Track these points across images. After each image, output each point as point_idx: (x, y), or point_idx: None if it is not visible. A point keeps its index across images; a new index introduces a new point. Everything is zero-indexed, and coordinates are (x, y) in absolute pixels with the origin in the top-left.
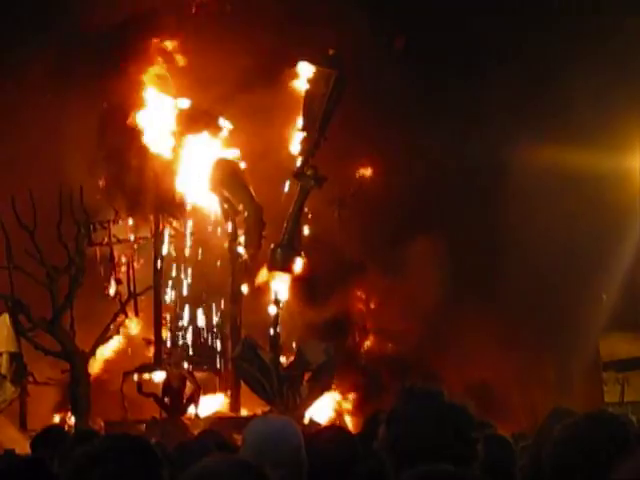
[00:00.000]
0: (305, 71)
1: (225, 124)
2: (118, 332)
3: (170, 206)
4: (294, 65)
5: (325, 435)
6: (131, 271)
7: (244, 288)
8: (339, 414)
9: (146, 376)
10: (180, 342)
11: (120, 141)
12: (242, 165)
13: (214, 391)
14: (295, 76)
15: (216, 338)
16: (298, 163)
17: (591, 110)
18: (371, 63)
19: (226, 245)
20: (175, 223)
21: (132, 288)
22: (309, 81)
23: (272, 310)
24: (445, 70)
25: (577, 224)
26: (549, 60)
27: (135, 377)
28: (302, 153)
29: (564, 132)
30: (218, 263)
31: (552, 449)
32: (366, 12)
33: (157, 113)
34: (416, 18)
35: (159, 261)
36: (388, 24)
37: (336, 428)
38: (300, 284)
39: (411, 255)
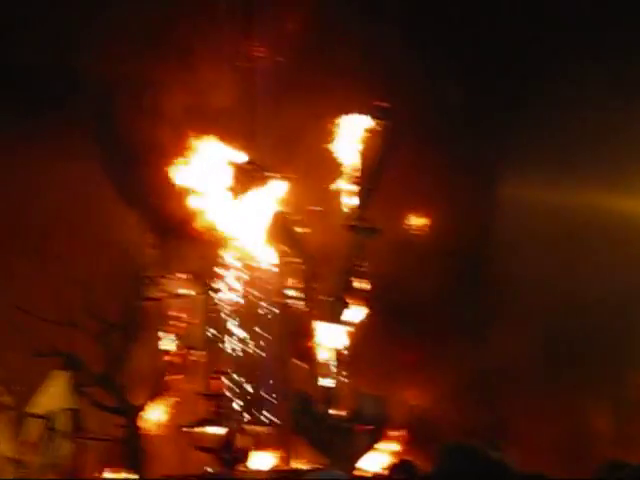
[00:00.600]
0: (359, 123)
1: (279, 178)
2: (173, 387)
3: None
4: (347, 117)
5: None
6: (185, 326)
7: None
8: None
9: (201, 430)
10: (235, 396)
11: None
12: (297, 218)
13: (269, 445)
14: (349, 128)
15: (270, 391)
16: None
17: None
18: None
19: (280, 298)
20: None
21: (185, 342)
22: (363, 133)
23: (323, 361)
24: None
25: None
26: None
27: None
28: (356, 206)
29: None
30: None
31: None
32: (423, 61)
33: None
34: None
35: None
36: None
37: None
38: (354, 334)
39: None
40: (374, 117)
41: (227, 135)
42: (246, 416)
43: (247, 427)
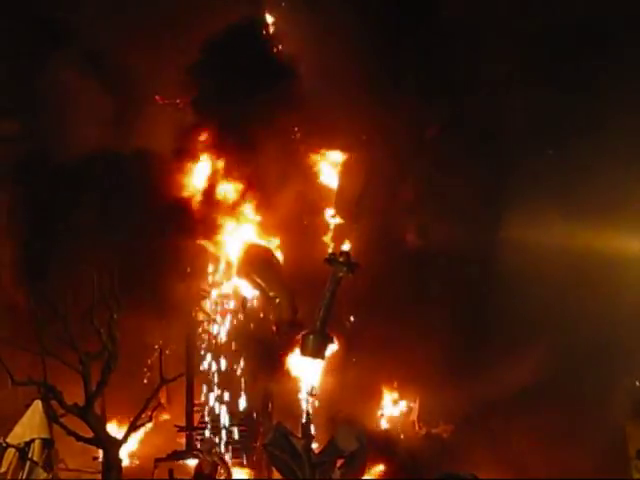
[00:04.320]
0: (337, 158)
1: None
2: (150, 419)
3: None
4: (326, 151)
5: None
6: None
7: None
8: None
9: (178, 463)
10: (211, 429)
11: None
12: (273, 250)
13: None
14: (326, 162)
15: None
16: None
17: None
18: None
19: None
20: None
21: (163, 374)
22: (341, 167)
23: (303, 396)
24: None
25: (606, 308)
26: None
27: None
28: (334, 239)
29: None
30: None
31: None
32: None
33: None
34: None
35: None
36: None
37: None
38: (331, 368)
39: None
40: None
41: None
42: (223, 449)
43: (220, 459)
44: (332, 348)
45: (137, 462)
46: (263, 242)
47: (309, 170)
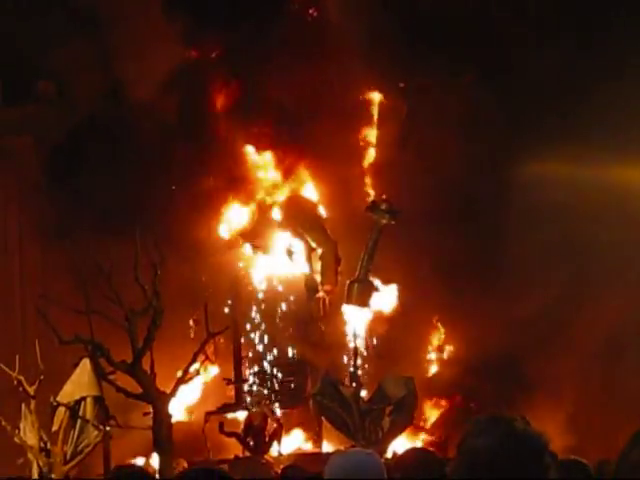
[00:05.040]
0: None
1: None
2: (198, 373)
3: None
4: (366, 99)
5: (411, 456)
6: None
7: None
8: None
9: (228, 416)
10: (260, 381)
11: None
12: (315, 201)
13: (297, 428)
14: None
15: (297, 374)
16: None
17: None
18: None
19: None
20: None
21: (210, 328)
22: (381, 114)
23: (351, 344)
24: None
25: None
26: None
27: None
28: (375, 187)
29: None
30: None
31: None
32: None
33: None
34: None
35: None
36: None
37: (421, 450)
38: (379, 318)
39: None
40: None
41: None
42: (273, 400)
43: (270, 411)
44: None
45: (188, 417)
46: (305, 193)
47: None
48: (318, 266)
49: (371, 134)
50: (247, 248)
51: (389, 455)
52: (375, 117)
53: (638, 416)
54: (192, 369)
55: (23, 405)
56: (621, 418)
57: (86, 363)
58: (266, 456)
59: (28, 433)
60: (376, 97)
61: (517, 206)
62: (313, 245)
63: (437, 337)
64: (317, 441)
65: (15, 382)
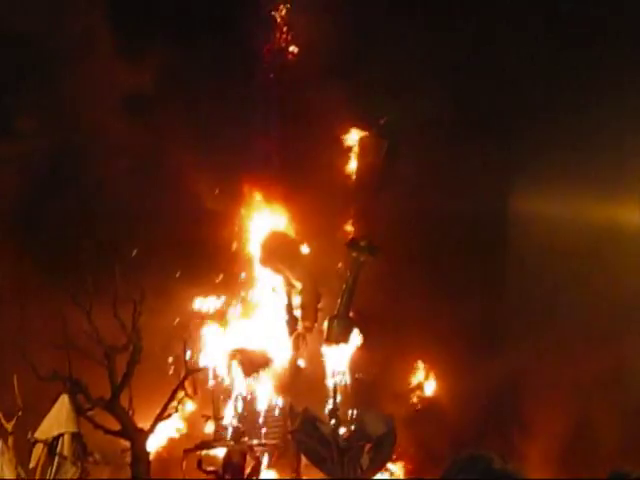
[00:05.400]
0: (356, 140)
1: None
2: (177, 409)
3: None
4: (346, 133)
5: None
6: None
7: (301, 361)
8: None
9: (207, 453)
10: (239, 417)
11: None
12: (296, 237)
13: (276, 465)
14: (347, 146)
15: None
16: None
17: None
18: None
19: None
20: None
21: (189, 365)
22: (361, 150)
23: (330, 382)
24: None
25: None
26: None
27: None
28: (356, 223)
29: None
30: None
31: None
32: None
33: None
34: None
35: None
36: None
37: None
38: (358, 354)
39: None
40: (375, 133)
41: None
42: (251, 437)
43: (249, 447)
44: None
45: (166, 454)
46: (286, 230)
47: (329, 152)
48: (298, 302)
49: (352, 170)
50: None
51: None
52: (355, 154)
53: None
54: (171, 406)
55: (1, 441)
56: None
57: (64, 399)
58: None
59: (6, 469)
60: (356, 134)
61: (509, 250)
62: (293, 281)
63: (418, 376)
64: (296, 478)
65: None
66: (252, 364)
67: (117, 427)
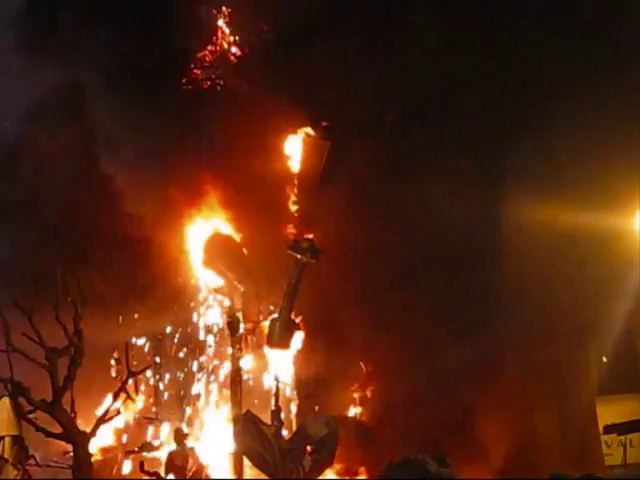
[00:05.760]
0: (299, 143)
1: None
2: (119, 412)
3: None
4: (288, 135)
5: None
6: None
7: (244, 362)
8: None
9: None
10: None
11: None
12: (237, 238)
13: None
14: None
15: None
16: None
17: (587, 168)
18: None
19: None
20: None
21: (131, 367)
22: (304, 152)
23: (272, 384)
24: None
25: (575, 284)
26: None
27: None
28: (298, 225)
29: (560, 190)
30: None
31: None
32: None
33: None
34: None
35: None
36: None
37: None
38: (301, 355)
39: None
40: (317, 135)
41: None
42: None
43: (191, 449)
44: (301, 336)
45: (108, 456)
46: (227, 231)
47: (272, 151)
48: (240, 304)
49: (294, 172)
50: None
51: None
52: (299, 154)
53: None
54: (113, 408)
55: None
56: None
57: (5, 402)
58: None
59: None
60: (299, 136)
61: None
62: (235, 283)
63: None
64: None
65: None
66: None
67: (59, 430)
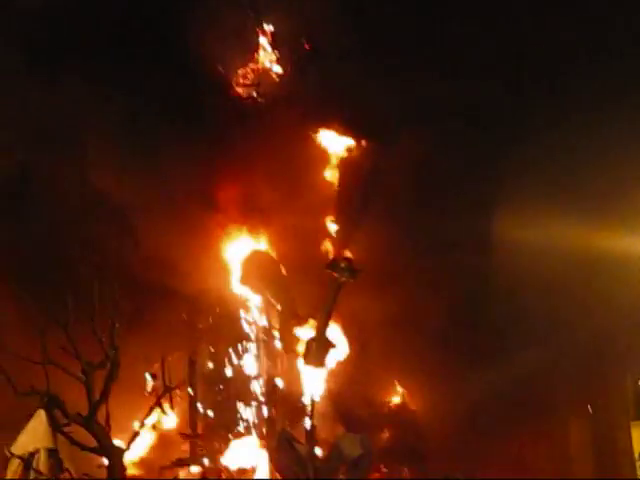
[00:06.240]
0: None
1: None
2: (154, 427)
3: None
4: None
5: None
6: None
7: (279, 381)
8: None
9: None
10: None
11: None
12: (275, 256)
13: None
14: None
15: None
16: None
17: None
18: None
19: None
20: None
21: (167, 382)
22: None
23: (308, 402)
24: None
25: (604, 307)
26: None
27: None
28: (337, 244)
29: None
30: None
31: None
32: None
33: None
34: None
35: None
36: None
37: None
38: (337, 374)
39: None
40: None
41: None
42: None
43: (224, 466)
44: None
45: (142, 471)
46: (266, 249)
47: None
48: (276, 323)
49: (334, 191)
50: None
51: None
52: (337, 175)
53: None
54: (148, 422)
55: None
56: None
57: (41, 414)
58: None
59: None
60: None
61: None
62: (272, 302)
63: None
64: None
65: None
66: None
67: (94, 443)
